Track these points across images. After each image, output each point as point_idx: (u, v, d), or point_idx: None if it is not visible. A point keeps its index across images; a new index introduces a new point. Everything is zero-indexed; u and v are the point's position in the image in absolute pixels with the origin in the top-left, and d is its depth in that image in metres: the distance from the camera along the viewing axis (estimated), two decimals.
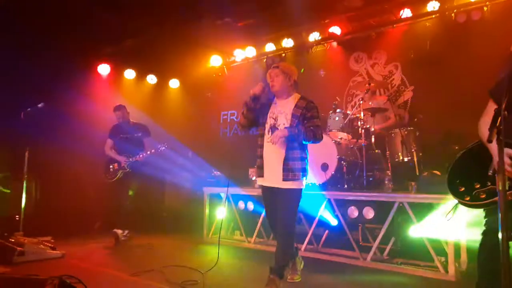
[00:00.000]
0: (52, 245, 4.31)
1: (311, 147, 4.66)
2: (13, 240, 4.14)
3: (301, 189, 3.18)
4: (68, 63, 5.94)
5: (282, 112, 3.23)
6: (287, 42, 6.72)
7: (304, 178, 3.18)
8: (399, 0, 5.64)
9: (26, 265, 3.77)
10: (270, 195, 3.25)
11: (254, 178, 5.34)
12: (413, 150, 4.50)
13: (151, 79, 7.67)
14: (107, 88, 6.93)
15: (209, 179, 5.76)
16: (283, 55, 6.86)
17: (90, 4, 5.56)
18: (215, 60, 7.45)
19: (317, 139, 3.16)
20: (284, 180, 3.11)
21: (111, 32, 6.18)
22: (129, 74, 7.36)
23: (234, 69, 7.48)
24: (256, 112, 3.30)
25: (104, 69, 7.02)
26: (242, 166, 5.78)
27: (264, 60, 7.06)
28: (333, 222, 4.35)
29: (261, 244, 4.94)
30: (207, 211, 5.41)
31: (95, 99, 6.42)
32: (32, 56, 5.57)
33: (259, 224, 4.89)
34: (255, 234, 4.94)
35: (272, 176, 3.18)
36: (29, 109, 5.00)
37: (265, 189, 3.29)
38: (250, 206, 5.04)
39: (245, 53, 7.21)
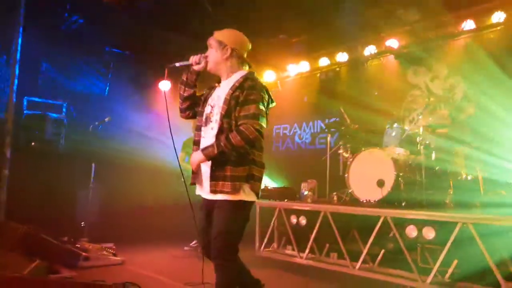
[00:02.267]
0: (114, 252, 4.54)
1: (365, 162, 4.61)
2: (78, 246, 4.42)
3: (242, 201, 2.32)
4: (133, 80, 6.32)
5: (220, 98, 2.42)
6: (342, 57, 6.68)
7: (248, 186, 2.33)
8: (461, 12, 5.42)
9: (90, 270, 4.00)
10: (205, 208, 2.47)
11: (306, 192, 5.32)
12: (477, 168, 4.25)
13: None
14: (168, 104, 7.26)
15: (261, 192, 5.81)
16: (338, 69, 6.82)
17: (150, 24, 5.95)
18: (268, 76, 7.56)
19: (248, 143, 2.25)
20: (211, 192, 2.34)
21: (172, 49, 6.51)
22: None
23: (287, 84, 7.54)
24: (193, 93, 2.58)
25: (165, 85, 7.35)
26: (294, 180, 5.77)
27: (318, 75, 7.06)
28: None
29: (313, 260, 4.86)
30: (258, 224, 5.43)
31: (157, 113, 6.75)
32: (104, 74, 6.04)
33: (311, 240, 4.82)
34: (308, 249, 4.88)
35: (206, 184, 2.40)
36: (96, 123, 5.38)
37: (203, 199, 2.50)
38: (302, 221, 5.00)
39: (298, 68, 7.25)
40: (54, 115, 6.14)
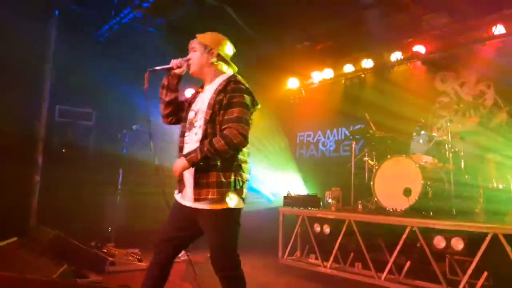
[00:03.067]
0: (139, 257, 4.62)
1: (391, 170, 4.53)
2: (105, 251, 4.52)
3: (230, 208, 2.21)
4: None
5: (204, 103, 2.33)
6: (367, 63, 6.61)
7: (235, 192, 2.23)
8: (491, 17, 5.28)
9: (115, 275, 4.06)
10: (183, 212, 2.34)
11: (330, 200, 5.26)
12: (509, 176, 4.10)
13: None
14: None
15: (284, 199, 5.77)
16: (363, 75, 6.75)
17: (176, 35, 6.08)
18: (292, 83, 7.56)
19: (232, 148, 2.16)
20: (195, 200, 2.23)
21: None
22: None
23: (311, 91, 7.52)
24: (175, 97, 2.48)
25: (189, 92, 7.49)
26: (318, 187, 5.71)
27: (343, 82, 7.00)
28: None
29: (337, 269, 4.79)
30: (282, 231, 5.40)
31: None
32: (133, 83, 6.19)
33: (335, 249, 4.76)
34: (332, 258, 4.81)
35: (189, 192, 2.29)
36: (124, 130, 5.53)
37: (178, 203, 2.39)
38: (326, 229, 4.94)
39: (322, 74, 7.22)
40: (84, 122, 6.33)
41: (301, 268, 5.01)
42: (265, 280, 4.39)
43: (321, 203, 5.39)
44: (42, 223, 4.86)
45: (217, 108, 2.23)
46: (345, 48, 6.61)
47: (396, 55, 6.24)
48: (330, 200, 5.27)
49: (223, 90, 2.26)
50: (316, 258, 5.08)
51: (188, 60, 2.40)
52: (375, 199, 4.64)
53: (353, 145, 5.75)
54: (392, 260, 4.22)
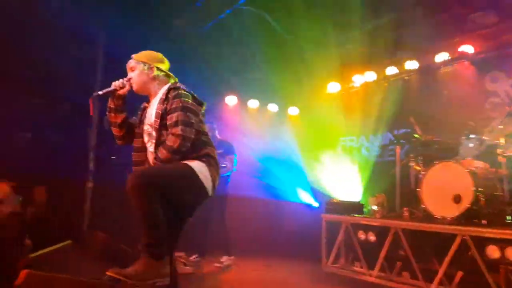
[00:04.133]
0: (184, 261, 4.74)
1: (439, 176, 4.33)
2: None
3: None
4: (199, 94, 6.61)
5: (152, 115, 2.51)
6: (411, 64, 6.39)
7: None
8: None
9: None
10: None
11: (375, 207, 5.13)
12: None
13: (273, 107, 8.03)
14: (233, 118, 7.51)
15: (327, 206, 5.69)
16: (407, 78, 6.54)
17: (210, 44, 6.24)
18: (333, 87, 7.46)
19: (174, 153, 2.30)
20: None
21: (237, 65, 6.73)
22: (253, 103, 7.84)
23: (352, 94, 7.38)
24: (125, 117, 2.61)
25: (231, 100, 7.64)
26: (362, 194, 5.59)
27: (386, 85, 6.82)
28: None
29: (383, 278, 4.65)
30: (325, 238, 5.33)
31: (224, 127, 6.96)
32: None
33: (381, 257, 4.62)
34: (377, 267, 4.67)
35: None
36: None
37: None
38: (371, 237, 4.81)
39: (364, 78, 7.07)
40: None
41: (346, 276, 4.91)
42: (310, 287, 4.36)
43: (364, 209, 5.28)
44: (94, 227, 5.10)
45: (164, 117, 2.39)
46: (388, 50, 6.44)
47: (442, 56, 5.99)
48: (374, 207, 5.14)
49: (166, 98, 2.42)
50: (361, 266, 4.96)
51: (129, 79, 2.53)
52: (423, 206, 4.46)
53: (397, 150, 5.58)
54: (442, 270, 4.03)
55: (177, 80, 2.64)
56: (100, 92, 2.51)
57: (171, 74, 2.63)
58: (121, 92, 2.54)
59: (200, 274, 4.81)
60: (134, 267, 2.19)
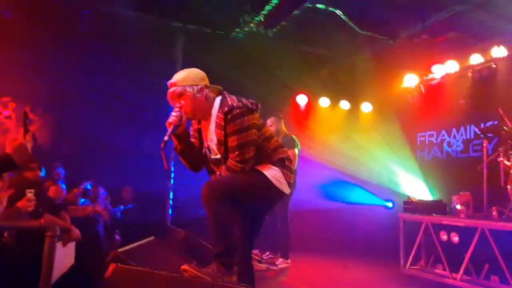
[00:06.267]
0: (259, 258, 4.85)
1: None
2: None
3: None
4: (270, 95, 6.70)
5: (211, 140, 2.44)
6: (499, 51, 5.82)
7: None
8: None
9: None
10: None
11: (458, 206, 4.79)
12: None
13: (344, 104, 7.85)
14: (304, 117, 7.50)
15: (405, 205, 5.43)
16: (494, 66, 5.98)
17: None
18: (410, 80, 7.07)
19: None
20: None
21: (304, 63, 6.70)
22: (324, 102, 7.74)
23: (432, 87, 6.93)
24: (197, 149, 2.53)
25: (302, 99, 7.63)
26: (444, 192, 5.25)
27: (469, 74, 6.30)
28: None
29: (469, 282, 4.33)
30: (403, 239, 5.10)
31: (295, 128, 6.98)
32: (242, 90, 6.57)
33: (466, 259, 4.31)
34: (462, 270, 4.36)
35: None
36: None
37: None
38: (455, 238, 4.51)
39: (445, 68, 6.59)
40: None
41: (426, 278, 4.67)
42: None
43: (447, 209, 4.96)
44: (175, 224, 5.45)
45: (226, 141, 2.32)
46: (471, 37, 5.95)
47: None
48: (458, 206, 4.80)
49: (224, 119, 2.30)
50: (444, 269, 4.67)
51: (180, 108, 2.33)
52: None
53: (484, 144, 5.14)
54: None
55: (221, 89, 2.49)
56: (166, 138, 2.30)
57: (215, 86, 2.49)
58: (182, 126, 2.37)
59: (275, 271, 4.89)
60: (208, 269, 2.27)
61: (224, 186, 2.32)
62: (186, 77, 2.38)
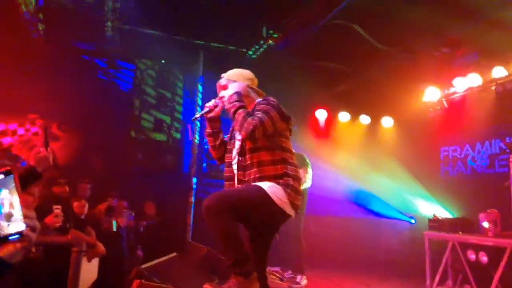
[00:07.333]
0: (280, 276, 4.80)
1: None
2: None
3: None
4: (289, 110, 6.72)
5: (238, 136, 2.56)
6: None
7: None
8: None
9: None
10: None
11: (486, 224, 4.64)
12: None
13: (365, 119, 7.79)
14: (324, 132, 7.47)
15: (430, 223, 5.30)
16: None
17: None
18: (431, 94, 6.97)
19: (244, 130, 2.31)
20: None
21: (327, 78, 6.71)
22: (343, 116, 7.70)
23: (455, 101, 6.81)
24: (223, 139, 2.63)
25: (321, 114, 7.61)
26: (470, 209, 5.11)
27: (493, 88, 6.17)
28: None
29: None
30: (429, 258, 4.96)
31: (315, 142, 6.95)
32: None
33: (496, 280, 4.15)
34: None
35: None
36: None
37: None
38: (483, 257, 4.36)
39: (467, 81, 6.49)
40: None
41: None
42: None
43: (474, 227, 4.81)
44: (196, 240, 5.44)
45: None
46: (493, 49, 5.84)
47: None
48: (486, 224, 4.65)
49: (254, 107, 2.42)
50: None
51: (221, 98, 2.53)
52: None
53: (511, 159, 5.00)
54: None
55: (265, 94, 2.67)
56: (196, 115, 2.67)
57: (261, 91, 2.66)
58: (215, 112, 2.58)
59: None
60: (229, 284, 2.26)
61: (225, 198, 2.31)
62: (233, 73, 2.62)
